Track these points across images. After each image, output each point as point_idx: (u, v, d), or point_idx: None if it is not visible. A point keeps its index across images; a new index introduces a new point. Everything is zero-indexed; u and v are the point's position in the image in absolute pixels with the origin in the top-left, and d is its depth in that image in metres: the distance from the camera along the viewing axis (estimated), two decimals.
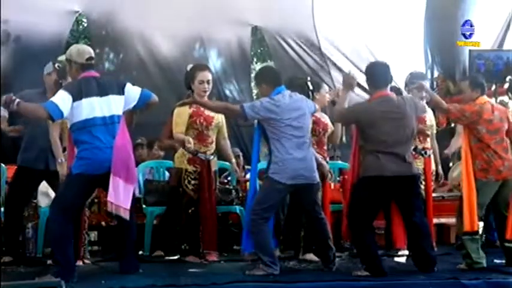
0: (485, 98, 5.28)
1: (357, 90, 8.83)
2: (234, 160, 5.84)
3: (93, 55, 4.75)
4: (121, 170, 4.52)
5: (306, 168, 4.86)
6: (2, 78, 6.54)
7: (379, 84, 4.89)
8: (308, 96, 5.32)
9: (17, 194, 5.46)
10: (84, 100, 4.50)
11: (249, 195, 5.09)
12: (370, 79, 4.96)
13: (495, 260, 5.36)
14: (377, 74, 4.94)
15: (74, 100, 4.46)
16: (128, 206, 4.58)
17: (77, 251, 4.85)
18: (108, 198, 4.53)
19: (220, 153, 5.82)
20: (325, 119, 5.73)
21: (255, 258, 4.95)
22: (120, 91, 4.68)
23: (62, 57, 4.78)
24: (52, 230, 4.59)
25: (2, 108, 4.96)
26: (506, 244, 5.14)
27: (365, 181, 4.82)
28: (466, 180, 5.04)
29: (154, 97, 4.88)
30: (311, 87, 5.49)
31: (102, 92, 4.58)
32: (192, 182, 5.43)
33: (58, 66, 5.28)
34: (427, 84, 6.16)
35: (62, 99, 4.46)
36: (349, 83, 5.06)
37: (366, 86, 5.41)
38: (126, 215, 4.57)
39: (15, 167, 5.55)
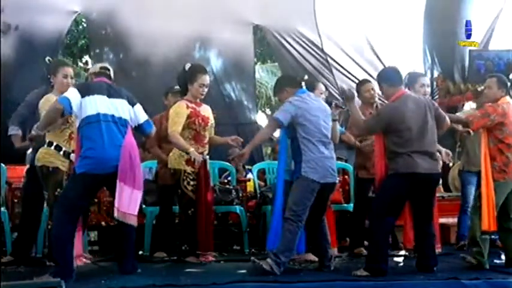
0: (507, 98, 5.23)
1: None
2: (227, 138, 5.79)
3: (109, 67, 4.92)
4: (128, 176, 4.54)
5: (333, 167, 4.97)
6: (2, 76, 6.56)
7: (397, 82, 4.98)
8: None
9: (28, 193, 5.49)
10: (92, 96, 4.57)
11: (277, 197, 5.02)
12: (387, 80, 4.98)
13: (495, 260, 5.36)
14: (392, 74, 5.05)
15: (82, 97, 4.55)
16: (136, 212, 4.62)
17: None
18: (116, 205, 4.53)
19: (216, 144, 5.79)
20: None
21: (258, 258, 4.93)
22: (130, 101, 4.78)
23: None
24: (54, 230, 4.56)
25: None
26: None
27: (396, 178, 4.80)
28: (485, 181, 5.04)
29: (153, 131, 5.02)
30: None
31: (111, 94, 4.67)
32: (191, 182, 5.43)
33: (49, 60, 5.33)
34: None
35: (72, 95, 4.55)
36: (350, 96, 5.15)
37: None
38: (133, 221, 4.62)
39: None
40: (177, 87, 5.97)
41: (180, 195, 5.47)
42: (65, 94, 4.59)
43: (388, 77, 5.03)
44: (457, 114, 6.05)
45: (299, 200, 4.80)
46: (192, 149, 5.32)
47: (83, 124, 4.57)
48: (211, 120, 5.63)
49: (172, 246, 5.77)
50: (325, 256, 5.03)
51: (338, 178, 6.72)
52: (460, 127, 5.78)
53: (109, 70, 4.90)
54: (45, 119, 4.67)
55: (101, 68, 4.89)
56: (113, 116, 4.60)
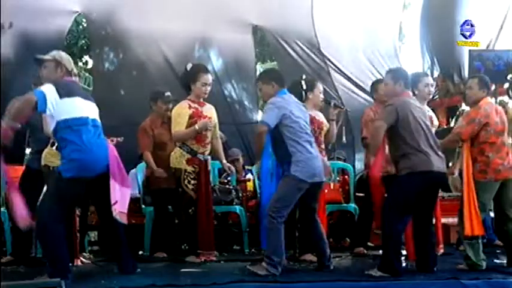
0: (488, 99, 5.22)
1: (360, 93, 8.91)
2: (224, 161, 5.84)
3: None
4: (117, 174, 4.48)
5: (320, 167, 4.98)
6: (2, 76, 6.55)
7: (409, 85, 5.09)
8: (301, 96, 5.35)
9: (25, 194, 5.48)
10: (72, 98, 4.41)
11: (263, 196, 5.04)
12: (404, 79, 5.04)
13: (495, 260, 5.36)
14: (407, 76, 5.14)
15: (61, 97, 4.35)
16: (125, 210, 4.56)
17: (72, 251, 4.82)
18: (114, 204, 4.45)
19: (213, 150, 5.80)
20: (320, 117, 5.69)
21: (258, 257, 4.93)
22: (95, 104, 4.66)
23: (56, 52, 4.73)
24: (41, 231, 4.41)
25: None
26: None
27: (412, 177, 4.78)
28: (466, 185, 5.01)
29: None
30: (304, 87, 5.49)
31: (84, 96, 4.57)
32: (192, 182, 5.43)
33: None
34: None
35: (49, 91, 4.33)
36: None
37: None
38: (123, 219, 4.53)
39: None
40: (167, 93, 5.96)
41: (180, 194, 5.48)
42: (42, 88, 4.36)
43: (405, 77, 5.09)
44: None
45: (283, 196, 4.80)
46: (198, 124, 5.37)
47: (62, 126, 4.36)
48: (214, 120, 5.63)
49: (172, 246, 5.78)
50: (323, 256, 5.02)
51: (338, 178, 6.74)
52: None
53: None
54: (14, 111, 4.26)
55: (73, 69, 4.65)
56: (93, 120, 4.49)
